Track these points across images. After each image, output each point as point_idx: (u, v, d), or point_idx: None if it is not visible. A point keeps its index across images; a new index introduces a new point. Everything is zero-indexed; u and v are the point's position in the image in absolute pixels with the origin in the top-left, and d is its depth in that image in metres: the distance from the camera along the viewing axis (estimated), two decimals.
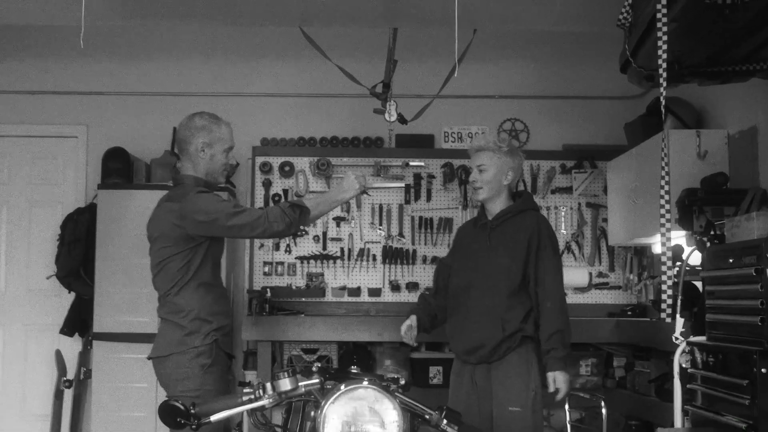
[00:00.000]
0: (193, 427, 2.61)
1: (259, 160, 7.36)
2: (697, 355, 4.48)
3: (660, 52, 3.51)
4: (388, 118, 5.87)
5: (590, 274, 7.25)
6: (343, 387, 2.57)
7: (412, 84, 6.82)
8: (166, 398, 2.67)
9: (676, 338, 4.60)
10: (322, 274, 7.31)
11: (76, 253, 6.89)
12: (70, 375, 6.84)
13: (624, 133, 6.78)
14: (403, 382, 2.77)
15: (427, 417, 2.70)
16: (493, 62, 7.53)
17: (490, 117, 7.53)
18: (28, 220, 7.49)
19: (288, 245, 7.31)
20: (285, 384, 2.67)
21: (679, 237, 5.84)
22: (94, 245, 6.80)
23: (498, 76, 7.58)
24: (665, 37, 3.52)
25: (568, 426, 4.57)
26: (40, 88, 7.50)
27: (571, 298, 7.26)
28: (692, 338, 4.57)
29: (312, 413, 2.68)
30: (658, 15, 3.54)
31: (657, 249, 6.65)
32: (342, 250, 7.33)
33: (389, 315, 6.92)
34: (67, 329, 7.00)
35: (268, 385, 2.67)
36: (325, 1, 5.59)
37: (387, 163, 7.35)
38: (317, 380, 2.69)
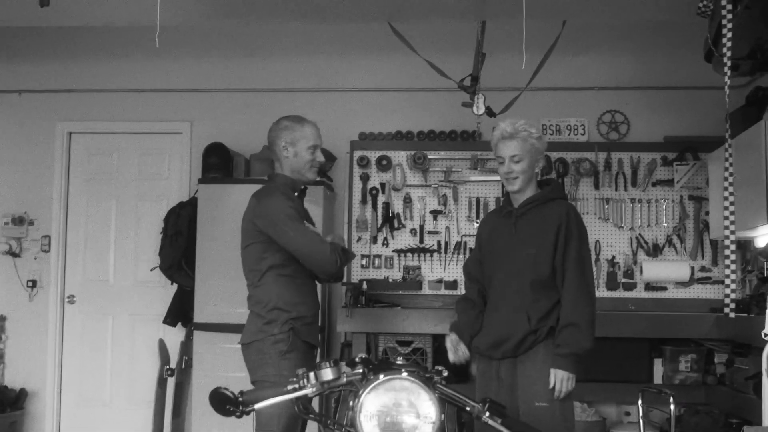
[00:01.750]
0: (237, 414, 2.69)
1: (357, 154, 7.44)
2: None
3: (725, 40, 3.42)
4: (476, 111, 5.86)
5: (692, 268, 7.08)
6: (381, 377, 2.60)
7: (502, 77, 6.76)
8: (217, 387, 2.74)
9: (766, 334, 4.47)
10: (419, 267, 7.34)
11: (178, 245, 7.10)
12: (173, 364, 7.03)
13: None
14: (446, 374, 2.78)
15: (468, 409, 2.70)
16: (592, 53, 7.44)
17: (589, 109, 7.43)
18: (135, 214, 7.78)
19: (385, 238, 7.37)
20: (327, 374, 2.71)
21: None
22: (195, 238, 7.00)
23: (597, 68, 7.47)
24: (730, 25, 3.42)
25: (641, 422, 4.47)
26: (147, 86, 7.77)
27: (672, 293, 7.14)
28: None
29: (350, 402, 2.71)
30: (723, 2, 3.45)
31: (759, 243, 6.47)
32: (439, 243, 7.35)
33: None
34: (170, 319, 7.24)
35: (312, 375, 2.72)
36: None
37: (483, 156, 7.31)
38: (359, 371, 2.73)
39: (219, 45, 7.77)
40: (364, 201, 7.39)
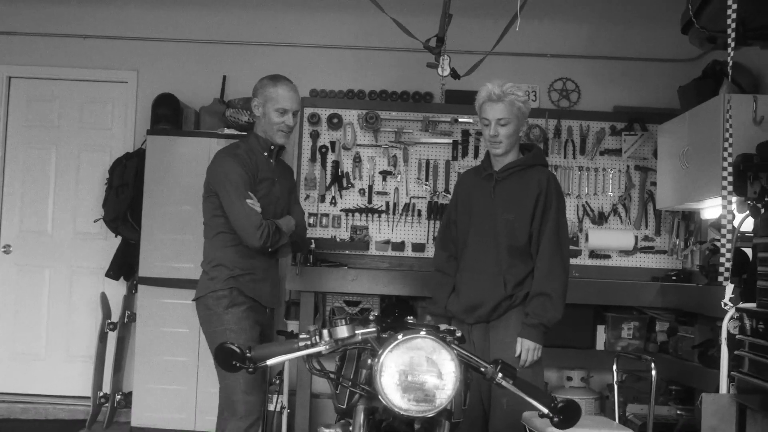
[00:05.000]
0: (250, 370, 2.63)
1: (308, 111, 7.34)
2: (746, 322, 4.44)
3: (729, 12, 3.43)
4: (441, 73, 5.77)
5: (636, 237, 7.18)
6: (401, 336, 2.56)
7: (467, 39, 6.72)
8: (223, 342, 2.68)
9: (726, 304, 4.57)
10: (366, 228, 7.30)
11: (124, 197, 6.91)
12: (115, 318, 6.91)
13: (677, 96, 6.68)
14: (459, 334, 2.77)
15: (482, 370, 2.68)
16: (545, 21, 7.41)
17: (541, 76, 7.44)
18: (77, 164, 7.55)
19: (333, 197, 7.30)
20: (342, 331, 2.67)
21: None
22: (142, 190, 6.82)
23: (550, 35, 7.46)
24: None
25: (615, 386, 4.52)
26: (91, 32, 7.50)
27: (616, 261, 7.24)
28: (742, 305, 4.53)
29: (368, 361, 2.68)
30: None
31: (706, 215, 6.58)
32: (387, 204, 7.31)
33: (432, 270, 6.90)
34: (113, 272, 7.07)
35: (325, 332, 2.68)
36: None
37: (435, 118, 7.29)
38: (374, 329, 2.70)
39: None
40: (313, 159, 7.31)
